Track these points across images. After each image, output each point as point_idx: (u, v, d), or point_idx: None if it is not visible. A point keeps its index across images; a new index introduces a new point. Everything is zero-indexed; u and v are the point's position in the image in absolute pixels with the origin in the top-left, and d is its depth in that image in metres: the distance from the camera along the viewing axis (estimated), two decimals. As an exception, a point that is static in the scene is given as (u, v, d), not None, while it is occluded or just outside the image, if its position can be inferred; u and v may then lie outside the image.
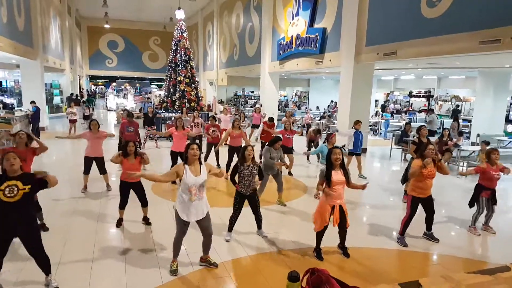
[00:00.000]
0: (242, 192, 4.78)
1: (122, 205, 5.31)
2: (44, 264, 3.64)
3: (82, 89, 31.21)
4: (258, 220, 5.02)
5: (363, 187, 4.44)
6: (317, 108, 22.17)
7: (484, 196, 5.42)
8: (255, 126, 13.76)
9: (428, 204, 5.03)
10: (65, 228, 5.25)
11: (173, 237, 4.04)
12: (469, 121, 15.84)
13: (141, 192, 5.33)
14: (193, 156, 3.84)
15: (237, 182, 4.82)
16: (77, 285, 3.80)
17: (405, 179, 7.00)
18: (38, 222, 4.94)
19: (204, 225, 4.03)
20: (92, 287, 3.78)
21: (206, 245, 4.19)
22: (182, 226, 3.94)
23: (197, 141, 9.85)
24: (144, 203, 5.39)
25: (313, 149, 10.07)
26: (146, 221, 5.45)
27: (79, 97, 25.72)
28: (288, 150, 8.49)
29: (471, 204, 5.58)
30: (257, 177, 4.79)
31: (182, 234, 3.99)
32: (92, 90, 35.39)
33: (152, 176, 4.03)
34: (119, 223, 5.35)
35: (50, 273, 3.70)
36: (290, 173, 8.66)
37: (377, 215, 6.36)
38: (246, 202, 4.88)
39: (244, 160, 4.74)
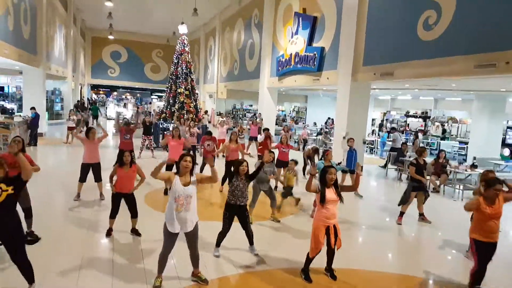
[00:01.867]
0: (232, 203, 4.72)
1: (113, 215, 5.27)
2: (27, 272, 3.56)
3: (83, 97, 31.36)
4: (249, 235, 4.90)
5: (357, 176, 4.39)
6: (314, 124, 22.30)
7: None
8: (252, 139, 13.81)
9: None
10: (55, 236, 5.19)
11: None
12: (466, 143, 15.94)
13: (132, 203, 5.31)
14: (185, 168, 3.82)
15: (228, 196, 4.81)
16: None
17: (402, 202, 6.98)
18: (26, 230, 4.92)
19: (190, 239, 3.95)
20: None
21: (194, 259, 4.09)
22: (168, 238, 3.84)
23: (191, 152, 9.87)
24: (134, 214, 5.35)
25: (308, 167, 10.01)
26: (135, 232, 5.40)
27: (86, 105, 25.93)
28: (285, 164, 8.49)
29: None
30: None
31: (168, 248, 3.88)
32: (93, 99, 35.54)
33: (158, 167, 3.84)
34: (108, 233, 5.30)
35: (34, 282, 3.61)
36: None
37: (372, 236, 6.27)
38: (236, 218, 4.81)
39: (238, 174, 4.74)
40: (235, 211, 4.76)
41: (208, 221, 5.95)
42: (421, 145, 14.33)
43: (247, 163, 4.87)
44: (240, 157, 9.28)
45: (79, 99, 30.36)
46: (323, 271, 4.51)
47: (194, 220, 3.91)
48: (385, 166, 12.19)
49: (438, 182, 9.34)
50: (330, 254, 4.38)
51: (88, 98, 33.48)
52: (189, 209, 3.81)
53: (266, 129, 10.71)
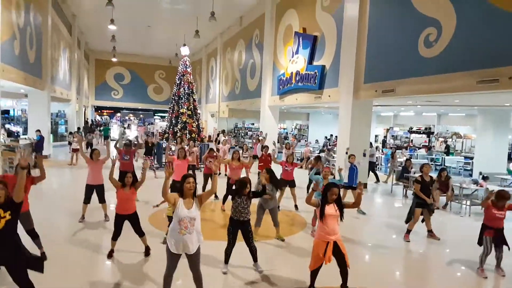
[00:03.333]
0: (235, 218, 4.80)
1: (115, 237, 5.25)
2: None
3: (87, 119, 31.65)
4: (252, 252, 4.92)
5: (359, 197, 4.43)
6: (316, 141, 22.26)
7: (487, 236, 5.25)
8: (256, 157, 13.75)
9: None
10: (58, 258, 5.15)
11: None
12: (471, 158, 15.79)
13: (136, 223, 5.30)
14: (188, 189, 3.82)
15: (231, 212, 4.88)
16: None
17: (408, 219, 6.86)
18: (38, 250, 4.93)
19: (193, 260, 3.91)
20: None
21: (197, 281, 4.05)
22: (171, 259, 3.83)
23: (190, 171, 9.78)
24: (140, 233, 5.37)
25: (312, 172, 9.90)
26: (147, 250, 5.40)
27: (93, 126, 26.18)
28: (291, 183, 8.41)
29: (479, 243, 5.42)
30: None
31: (171, 269, 3.86)
32: (97, 120, 35.85)
33: (166, 182, 3.84)
34: (110, 255, 5.27)
35: None
36: (296, 207, 8.50)
37: (378, 254, 6.15)
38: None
39: (240, 193, 4.79)
40: (239, 226, 4.83)
41: (211, 240, 5.94)
42: (425, 161, 14.21)
43: (250, 184, 4.88)
44: (244, 174, 9.27)
45: (90, 120, 30.73)
46: None
47: (198, 242, 3.89)
48: (386, 181, 12.13)
49: (439, 199, 9.22)
50: (344, 273, 4.32)
51: (92, 120, 33.75)
52: (192, 232, 3.80)
53: (266, 147, 10.67)
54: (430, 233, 6.93)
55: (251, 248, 4.90)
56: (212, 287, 4.39)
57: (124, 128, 26.74)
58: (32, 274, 4.03)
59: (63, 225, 6.75)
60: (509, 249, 5.23)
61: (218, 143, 15.11)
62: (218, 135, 19.37)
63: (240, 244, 4.86)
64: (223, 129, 25.05)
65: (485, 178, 9.74)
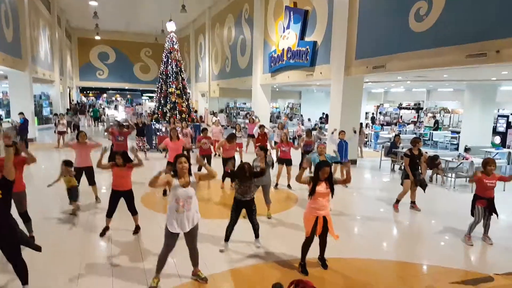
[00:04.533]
0: (238, 198, 4.89)
1: (110, 213, 5.27)
2: (21, 273, 3.58)
3: (72, 100, 30.90)
4: (255, 228, 5.05)
5: (348, 173, 4.55)
6: (309, 120, 22.31)
7: (479, 205, 5.42)
8: (250, 136, 13.76)
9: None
10: (52, 241, 5.14)
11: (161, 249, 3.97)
12: (458, 132, 16.10)
13: (131, 201, 5.34)
14: (182, 169, 3.83)
15: (235, 192, 4.97)
16: None
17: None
18: (27, 234, 4.85)
19: (190, 236, 3.98)
20: None
21: (193, 258, 4.15)
22: (169, 238, 3.87)
23: (185, 152, 9.74)
24: (133, 212, 5.40)
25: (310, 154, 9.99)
26: (137, 229, 5.46)
27: (82, 108, 25.67)
28: (287, 162, 8.50)
29: (472, 213, 5.58)
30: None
31: (169, 248, 3.90)
32: (83, 102, 35.02)
33: (157, 177, 3.82)
34: (103, 232, 5.31)
35: (27, 284, 3.61)
36: (289, 186, 8.59)
37: (367, 226, 6.35)
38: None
39: (242, 177, 4.83)
40: (242, 205, 4.93)
41: (209, 219, 6.05)
42: (414, 136, 14.41)
43: (248, 164, 4.93)
44: (237, 155, 9.26)
45: (77, 102, 30.02)
46: (317, 261, 4.63)
47: (196, 219, 3.94)
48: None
49: (426, 172, 9.47)
50: (322, 245, 4.53)
51: (77, 101, 32.97)
52: (189, 209, 3.85)
53: (262, 126, 10.68)
54: (413, 204, 7.18)
55: (254, 225, 5.03)
56: (205, 264, 4.47)
57: (103, 109, 26.24)
58: (25, 255, 4.03)
59: (54, 208, 6.68)
60: (497, 216, 5.47)
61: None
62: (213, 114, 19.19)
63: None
64: (213, 110, 24.86)
65: (466, 150, 10.02)
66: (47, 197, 7.44)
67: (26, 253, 4.59)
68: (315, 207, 4.29)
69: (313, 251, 4.49)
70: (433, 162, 9.48)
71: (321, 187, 4.28)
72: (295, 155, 9.81)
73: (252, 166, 5.08)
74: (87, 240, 5.26)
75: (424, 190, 7.11)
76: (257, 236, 5.10)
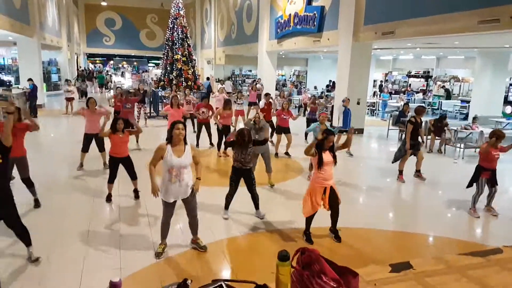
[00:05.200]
0: (237, 167, 4.83)
1: (111, 180, 5.41)
2: (23, 235, 3.64)
3: (80, 66, 30.87)
4: (255, 199, 4.96)
5: (349, 141, 4.57)
6: (315, 87, 22.06)
7: (484, 177, 5.34)
8: (251, 104, 13.76)
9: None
10: (61, 206, 5.28)
11: None
12: (468, 102, 15.82)
13: (130, 166, 5.48)
14: (178, 135, 3.67)
15: (233, 161, 4.89)
16: (70, 265, 3.75)
17: (395, 159, 7.11)
18: (32, 197, 5.11)
19: (189, 205, 3.93)
20: (86, 267, 3.72)
21: (192, 226, 4.09)
22: (166, 207, 3.85)
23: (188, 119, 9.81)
24: (133, 176, 5.53)
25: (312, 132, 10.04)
26: (136, 193, 5.61)
27: (90, 74, 25.75)
28: (286, 130, 8.52)
29: (469, 185, 5.52)
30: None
31: (168, 216, 3.88)
32: (90, 69, 34.94)
33: (151, 173, 3.80)
34: (108, 198, 5.45)
35: (31, 245, 3.70)
36: (287, 153, 8.67)
37: (373, 196, 6.36)
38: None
39: (240, 144, 4.73)
40: (241, 174, 4.86)
41: (209, 186, 6.03)
42: (421, 104, 14.27)
43: (248, 130, 4.85)
44: (237, 122, 9.28)
45: (84, 69, 30.00)
46: (326, 231, 4.57)
47: (189, 188, 3.82)
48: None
49: (434, 143, 9.50)
50: (334, 216, 4.44)
51: (84, 68, 32.92)
52: (183, 179, 3.74)
53: (268, 94, 10.61)
54: (418, 172, 7.19)
55: (254, 195, 4.93)
56: (211, 230, 4.50)
57: (110, 75, 26.18)
58: (29, 221, 4.12)
59: (62, 174, 6.83)
60: (496, 184, 5.41)
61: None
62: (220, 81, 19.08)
63: (238, 189, 4.96)
64: (218, 77, 24.66)
65: (474, 119, 9.90)
66: (55, 163, 7.63)
67: (34, 216, 4.82)
68: (323, 177, 4.20)
69: (316, 221, 4.45)
70: (441, 122, 9.35)
71: (327, 156, 4.22)
72: (299, 122, 9.86)
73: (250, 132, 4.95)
74: (94, 205, 5.33)
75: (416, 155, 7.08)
76: (257, 207, 5.00)
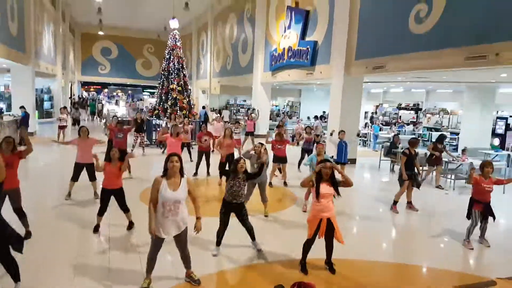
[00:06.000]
0: (228, 200, 4.66)
1: (101, 212, 5.26)
2: (12, 270, 3.53)
3: (73, 94, 30.95)
4: (249, 231, 4.81)
5: (343, 177, 4.35)
6: (308, 118, 22.35)
7: (476, 209, 5.37)
8: (248, 134, 13.82)
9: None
10: (48, 235, 5.15)
11: None
12: (457, 134, 16.15)
13: (121, 199, 5.35)
14: (172, 168, 3.58)
15: (225, 193, 4.74)
16: None
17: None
18: (24, 229, 4.92)
19: (179, 242, 3.82)
20: None
21: (185, 260, 3.98)
22: (155, 242, 3.71)
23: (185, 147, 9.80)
24: (125, 210, 5.40)
25: (305, 160, 10.03)
26: (130, 225, 5.46)
27: (84, 102, 25.67)
28: (283, 160, 8.49)
29: (468, 216, 5.53)
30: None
31: (155, 251, 3.75)
32: (84, 97, 35.07)
33: (150, 212, 3.66)
34: (96, 229, 5.31)
35: (19, 281, 3.57)
36: (285, 183, 8.62)
37: (366, 226, 6.36)
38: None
39: (236, 172, 4.64)
40: (232, 209, 4.68)
41: (205, 217, 5.89)
42: (413, 136, 14.48)
43: (244, 160, 4.82)
44: (236, 152, 9.29)
45: (79, 96, 30.03)
46: (323, 264, 4.52)
47: (183, 224, 3.72)
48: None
49: (430, 174, 9.54)
50: (328, 248, 4.41)
51: (78, 96, 33.04)
52: (177, 214, 3.63)
53: (280, 126, 10.14)
54: (409, 204, 7.21)
55: (247, 228, 4.78)
56: (203, 264, 4.40)
57: (102, 104, 26.19)
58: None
59: (51, 203, 6.66)
60: (494, 220, 5.42)
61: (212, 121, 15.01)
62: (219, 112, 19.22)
63: (231, 221, 4.83)
64: (213, 107, 24.90)
65: (463, 151, 10.07)
66: (45, 192, 7.45)
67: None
68: (318, 209, 4.18)
69: (313, 252, 4.41)
70: (442, 143, 9.33)
71: (325, 188, 4.18)
72: (292, 152, 9.82)
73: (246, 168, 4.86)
74: (83, 236, 5.23)
75: (419, 188, 7.12)
76: (253, 238, 4.86)
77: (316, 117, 15.39)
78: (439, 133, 17.33)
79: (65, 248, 4.77)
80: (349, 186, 4.41)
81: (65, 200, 6.73)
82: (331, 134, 9.59)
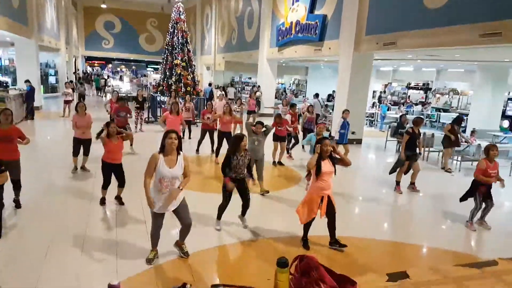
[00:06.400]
0: (232, 176, 4.64)
1: (105, 185, 5.36)
2: None
3: (78, 69, 30.75)
4: (245, 206, 4.85)
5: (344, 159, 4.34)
6: (314, 95, 22.02)
7: (480, 192, 5.34)
8: (250, 112, 13.69)
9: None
10: (55, 208, 5.25)
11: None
12: (466, 115, 15.85)
13: (120, 173, 5.40)
14: (170, 145, 3.59)
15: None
16: (67, 268, 3.76)
17: (392, 170, 7.04)
18: (14, 197, 5.07)
19: (180, 215, 3.83)
20: (82, 271, 3.71)
21: (183, 233, 3.98)
22: (155, 218, 3.76)
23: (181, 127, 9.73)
24: (121, 183, 5.43)
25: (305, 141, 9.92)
26: (119, 200, 5.50)
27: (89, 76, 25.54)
28: (282, 138, 8.46)
29: (462, 199, 5.53)
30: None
31: (157, 227, 3.81)
32: (88, 72, 34.84)
33: (146, 191, 3.64)
34: (102, 202, 5.42)
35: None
36: (280, 163, 8.58)
37: (369, 206, 6.37)
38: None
39: (237, 150, 4.59)
40: (235, 183, 4.70)
41: (205, 192, 6.05)
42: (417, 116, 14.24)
43: (246, 137, 4.78)
44: (235, 130, 9.21)
45: (83, 71, 29.85)
46: (323, 239, 4.54)
47: (178, 200, 3.75)
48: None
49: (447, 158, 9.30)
50: (331, 225, 4.43)
51: (83, 71, 32.81)
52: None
53: (293, 105, 9.90)
54: (412, 185, 7.17)
55: (246, 203, 4.82)
56: (206, 239, 4.47)
57: (105, 79, 26.00)
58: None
59: (56, 176, 6.75)
60: (492, 204, 5.43)
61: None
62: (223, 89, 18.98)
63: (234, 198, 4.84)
64: (218, 84, 24.59)
65: (472, 132, 9.87)
66: (50, 166, 7.53)
67: (25, 223, 4.78)
68: (321, 187, 4.18)
69: (314, 229, 4.45)
70: (459, 125, 9.06)
71: (326, 166, 4.19)
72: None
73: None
74: (90, 209, 5.29)
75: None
76: (244, 214, 4.91)
77: (316, 95, 15.12)
78: (447, 113, 17.15)
79: (73, 222, 4.85)
80: (347, 165, 4.42)
81: (72, 173, 6.88)
82: (353, 133, 9.08)
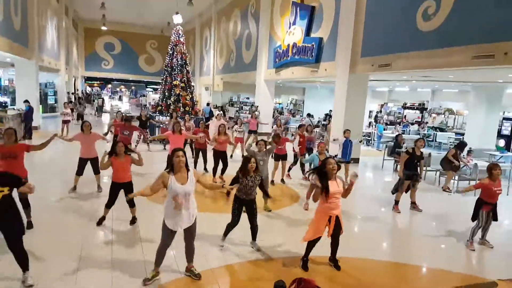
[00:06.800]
0: (241, 197, 4.67)
1: (109, 205, 5.33)
2: (22, 260, 3.65)
3: (77, 89, 30.97)
4: (254, 230, 4.84)
5: (351, 185, 4.20)
6: (308, 115, 22.19)
7: (484, 210, 5.34)
8: (251, 132, 13.72)
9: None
10: (53, 229, 5.20)
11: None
12: (462, 134, 15.99)
13: (130, 192, 5.26)
14: (178, 163, 3.66)
15: (236, 191, 4.71)
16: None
17: (395, 190, 7.05)
18: (25, 219, 4.96)
19: (188, 233, 3.89)
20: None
21: (189, 253, 4.03)
22: (167, 235, 3.79)
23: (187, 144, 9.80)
24: (131, 204, 5.40)
25: (306, 157, 9.94)
26: (133, 220, 5.50)
27: (89, 97, 25.62)
28: (283, 157, 8.46)
29: (473, 218, 5.47)
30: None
31: (167, 244, 3.83)
32: (87, 92, 35.12)
33: (142, 193, 3.82)
34: (100, 222, 5.36)
35: (28, 270, 3.68)
36: (282, 181, 8.59)
37: (368, 226, 6.32)
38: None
39: (247, 172, 4.59)
40: (244, 204, 4.73)
41: (204, 212, 5.97)
42: (417, 137, 14.33)
43: (255, 159, 4.72)
44: (231, 149, 9.14)
45: (83, 91, 30.03)
46: (324, 259, 4.53)
47: (193, 216, 3.84)
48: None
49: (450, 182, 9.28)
50: (334, 245, 4.42)
51: (82, 91, 33.07)
52: (188, 207, 3.74)
53: (301, 126, 9.91)
54: (414, 204, 7.15)
55: (254, 226, 4.80)
56: (206, 259, 4.46)
57: (103, 99, 26.10)
58: (29, 243, 4.08)
59: (55, 196, 6.72)
60: (496, 220, 5.43)
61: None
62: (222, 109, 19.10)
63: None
64: (216, 104, 24.80)
65: (469, 152, 9.89)
66: (50, 185, 7.50)
67: (26, 240, 4.70)
68: (329, 207, 4.13)
69: (315, 249, 4.42)
70: (462, 150, 9.11)
71: (333, 186, 4.09)
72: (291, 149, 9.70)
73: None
74: (87, 229, 5.29)
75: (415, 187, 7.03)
76: (254, 238, 4.89)
77: (308, 115, 15.32)
78: (444, 133, 17.28)
79: (70, 241, 4.82)
80: (343, 197, 4.29)
81: (69, 194, 6.81)
82: (334, 140, 9.35)
